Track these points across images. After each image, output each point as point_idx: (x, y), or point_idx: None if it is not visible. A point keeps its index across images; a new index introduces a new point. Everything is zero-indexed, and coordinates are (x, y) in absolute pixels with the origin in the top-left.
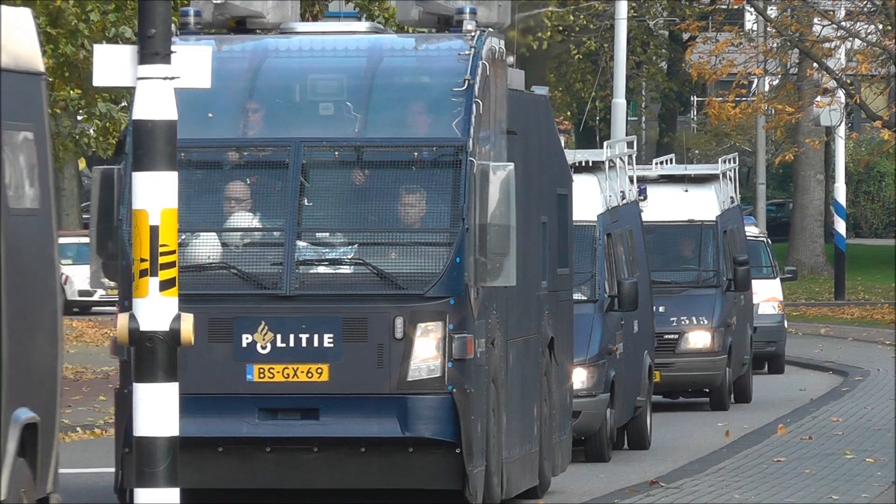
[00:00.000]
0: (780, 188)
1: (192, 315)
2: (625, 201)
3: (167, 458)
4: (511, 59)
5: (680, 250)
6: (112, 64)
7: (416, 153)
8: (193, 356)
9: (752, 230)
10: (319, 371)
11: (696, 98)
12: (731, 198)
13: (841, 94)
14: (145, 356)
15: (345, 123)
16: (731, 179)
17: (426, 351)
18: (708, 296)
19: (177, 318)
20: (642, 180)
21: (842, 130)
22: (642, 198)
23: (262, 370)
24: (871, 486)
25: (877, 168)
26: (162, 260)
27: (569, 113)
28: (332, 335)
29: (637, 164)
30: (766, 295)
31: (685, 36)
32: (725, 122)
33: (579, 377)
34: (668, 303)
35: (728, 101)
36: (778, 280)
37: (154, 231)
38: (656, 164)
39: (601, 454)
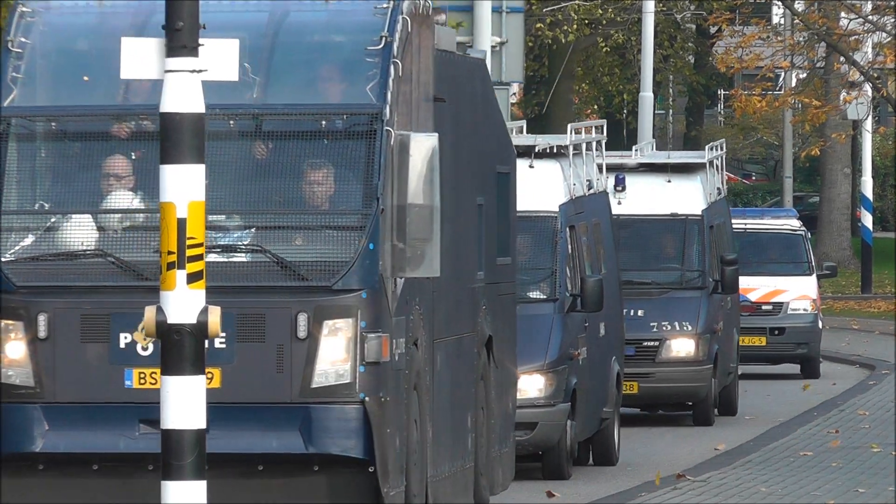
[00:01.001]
0: (806, 182)
1: (219, 308)
2: (591, 191)
3: (194, 451)
4: (442, 17)
5: (661, 247)
6: (139, 57)
7: (323, 122)
8: (62, 359)
9: (792, 223)
10: (210, 376)
11: (723, 91)
12: (718, 189)
13: (868, 87)
14: (173, 349)
15: (242, 88)
16: (718, 169)
17: (334, 353)
18: (692, 298)
19: (204, 311)
20: (620, 169)
21: (868, 124)
22: (620, 188)
23: (142, 375)
24: None
25: None
26: (189, 253)
27: (596, 106)
28: (224, 334)
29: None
30: (798, 293)
31: (712, 29)
32: (751, 115)
33: (536, 384)
34: (647, 306)
35: (754, 94)
36: (814, 277)
37: (181, 224)
38: (636, 151)
39: (560, 471)
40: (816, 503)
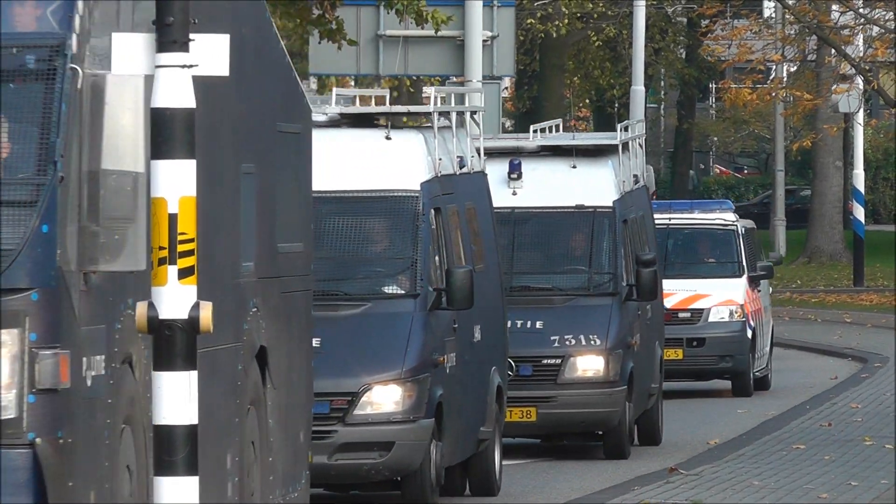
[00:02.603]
0: (798, 175)
1: (210, 303)
2: (464, 170)
3: (186, 447)
4: None
5: (564, 246)
6: (130, 52)
7: None
8: None
9: (725, 218)
10: None
11: (714, 85)
12: (636, 177)
13: (859, 80)
14: (164, 344)
15: None
16: (635, 153)
17: None
18: (601, 307)
19: (195, 306)
20: (517, 153)
21: (860, 117)
22: (515, 176)
23: None
24: (891, 473)
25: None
26: (181, 248)
27: (587, 100)
28: None
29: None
30: (721, 297)
31: (704, 22)
32: (742, 108)
33: (392, 397)
34: (548, 316)
35: (745, 87)
36: (744, 279)
37: (173, 219)
38: (534, 131)
39: (423, 501)
40: (809, 497)
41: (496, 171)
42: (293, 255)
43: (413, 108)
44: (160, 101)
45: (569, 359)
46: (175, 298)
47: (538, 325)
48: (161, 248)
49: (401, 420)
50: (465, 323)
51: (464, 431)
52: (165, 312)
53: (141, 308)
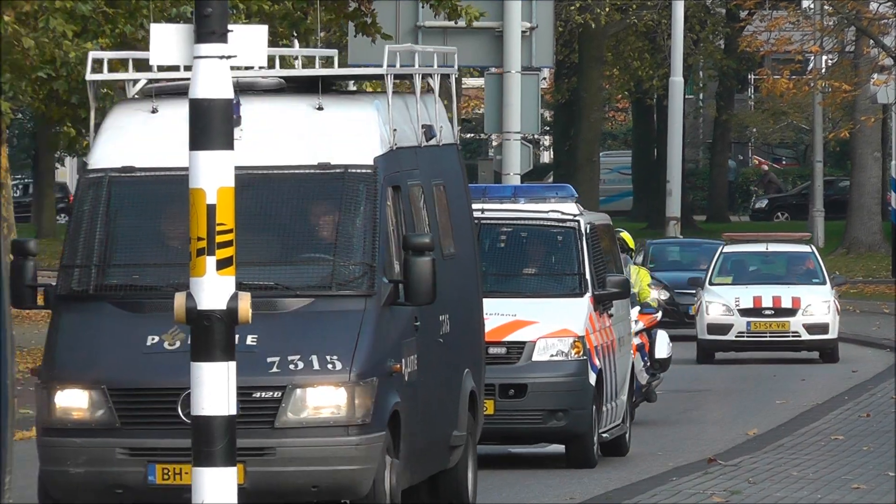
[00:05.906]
0: (836, 166)
1: (249, 294)
2: None
3: (225, 437)
4: None
5: (299, 225)
6: (169, 43)
7: None
8: None
9: (564, 209)
10: None
11: (753, 76)
12: (428, 128)
13: None
14: (203, 335)
15: None
16: (431, 92)
17: None
18: (347, 313)
19: (234, 297)
20: (242, 91)
21: None
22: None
23: None
24: None
25: None
26: (219, 239)
27: (626, 91)
28: None
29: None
30: (553, 325)
31: (742, 14)
32: (779, 97)
33: None
34: (265, 327)
35: (782, 77)
36: (586, 300)
37: (211, 210)
38: (258, 67)
39: None
40: (846, 487)
41: None
42: None
43: None
44: (199, 92)
45: (293, 391)
46: (213, 289)
47: (249, 340)
48: (199, 239)
49: None
50: None
51: None
52: (204, 303)
53: (179, 298)
